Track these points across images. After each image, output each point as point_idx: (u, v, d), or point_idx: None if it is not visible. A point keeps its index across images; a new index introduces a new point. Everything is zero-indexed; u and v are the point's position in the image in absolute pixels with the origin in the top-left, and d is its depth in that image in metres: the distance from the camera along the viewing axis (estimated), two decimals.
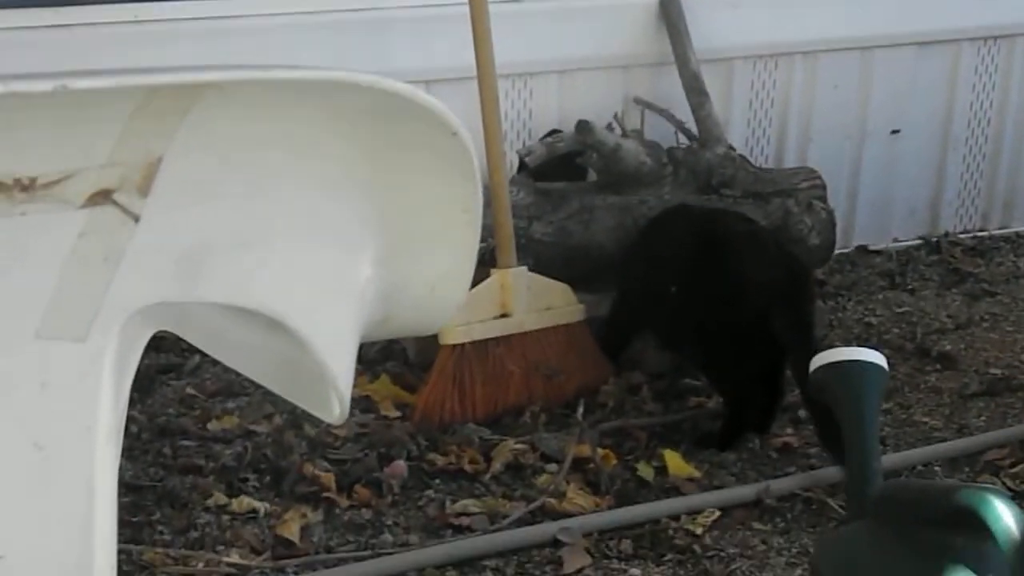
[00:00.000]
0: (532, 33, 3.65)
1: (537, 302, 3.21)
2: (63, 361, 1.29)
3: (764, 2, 3.90)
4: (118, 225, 1.25)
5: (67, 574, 1.34)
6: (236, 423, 3.07)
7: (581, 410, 3.10)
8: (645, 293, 3.25)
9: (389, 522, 2.77)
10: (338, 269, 1.41)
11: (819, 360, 2.40)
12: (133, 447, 2.94)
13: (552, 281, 3.25)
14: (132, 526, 2.68)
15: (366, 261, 1.41)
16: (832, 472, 2.90)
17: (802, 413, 3.18)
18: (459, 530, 2.75)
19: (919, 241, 4.30)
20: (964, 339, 3.66)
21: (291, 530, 2.70)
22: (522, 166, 3.53)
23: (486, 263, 3.15)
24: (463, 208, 1.43)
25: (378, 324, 1.47)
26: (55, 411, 1.30)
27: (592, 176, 3.60)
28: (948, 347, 3.59)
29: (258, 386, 2.37)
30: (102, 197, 1.24)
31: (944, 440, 3.13)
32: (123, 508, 2.59)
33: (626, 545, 2.71)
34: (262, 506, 2.77)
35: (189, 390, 3.22)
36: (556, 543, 2.70)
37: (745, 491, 2.88)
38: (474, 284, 1.55)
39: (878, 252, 4.22)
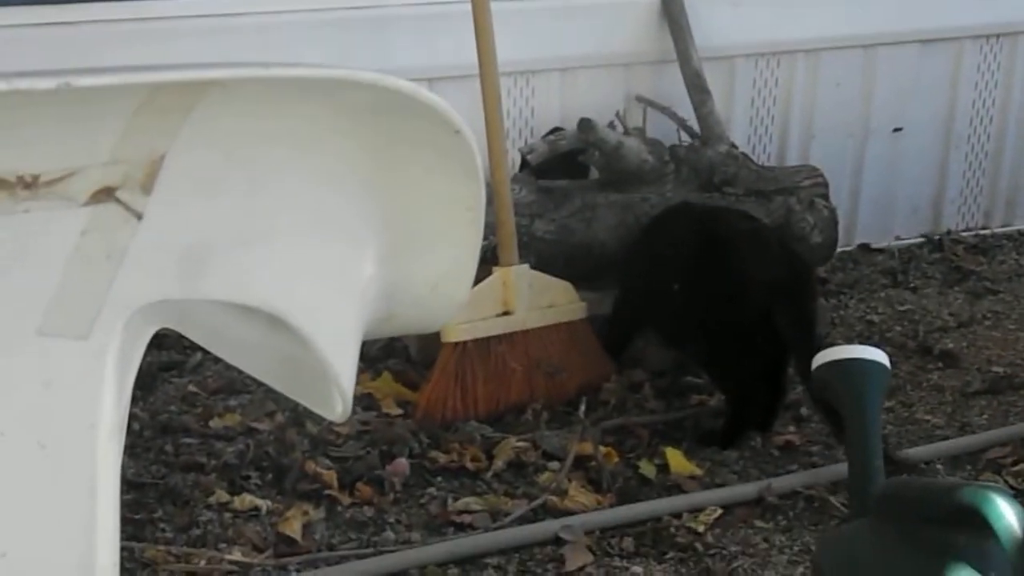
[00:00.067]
0: (534, 31, 3.65)
1: (539, 300, 3.21)
2: (65, 359, 1.29)
3: (766, 0, 3.90)
4: (121, 223, 1.25)
5: (69, 572, 1.34)
6: (238, 421, 3.07)
7: (583, 408, 3.11)
8: (647, 291, 3.25)
9: (391, 520, 2.77)
10: (341, 266, 1.40)
11: (821, 358, 2.40)
12: (135, 444, 2.94)
13: (554, 279, 3.25)
14: (134, 524, 2.68)
15: (369, 259, 1.41)
16: (834, 470, 2.90)
17: (804, 411, 3.19)
18: (461, 528, 2.75)
19: (921, 239, 4.30)
20: (966, 337, 3.66)
21: (293, 528, 2.70)
22: (524, 164, 3.53)
23: (488, 261, 3.15)
24: (466, 206, 1.43)
25: (380, 322, 1.47)
26: (57, 409, 1.30)
27: (594, 174, 3.60)
28: (950, 345, 3.59)
29: (260, 384, 2.37)
30: (105, 195, 1.24)
31: (946, 438, 3.13)
32: (125, 506, 2.57)
33: (628, 543, 2.71)
34: (264, 504, 2.77)
35: (191, 387, 3.22)
36: (558, 541, 2.70)
37: (747, 489, 2.88)
38: (476, 282, 1.55)
39: (880, 250, 4.22)
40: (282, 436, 2.98)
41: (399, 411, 3.14)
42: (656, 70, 3.80)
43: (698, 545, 2.71)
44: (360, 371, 1.47)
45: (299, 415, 3.04)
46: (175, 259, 1.29)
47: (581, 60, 3.75)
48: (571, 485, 2.87)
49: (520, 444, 3.01)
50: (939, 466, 3.02)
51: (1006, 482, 2.93)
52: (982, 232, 4.39)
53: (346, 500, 2.81)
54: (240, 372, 2.73)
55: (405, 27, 3.53)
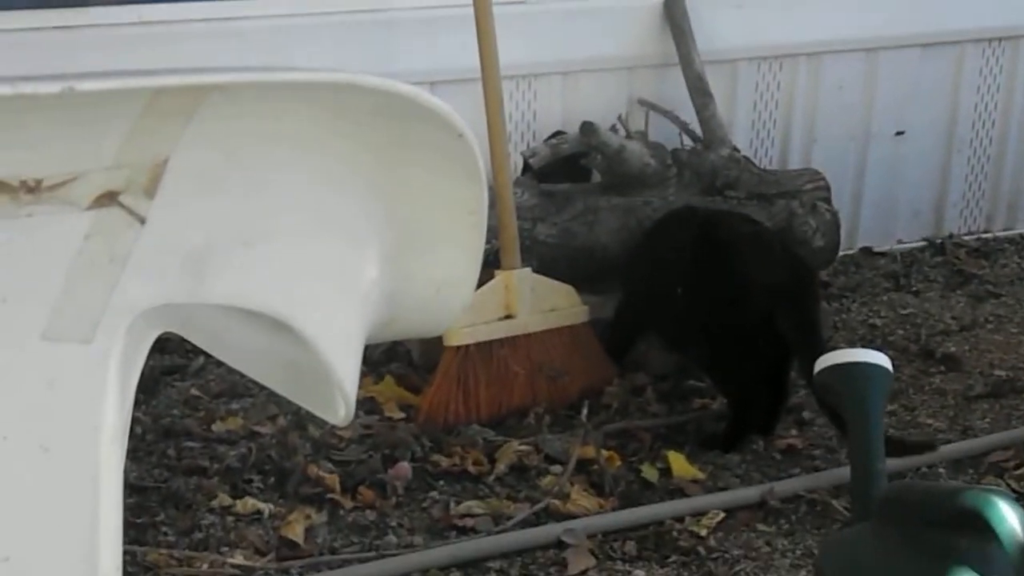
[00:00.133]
0: (536, 34, 3.65)
1: (541, 304, 3.21)
2: (69, 362, 1.29)
3: (768, 3, 3.90)
4: (124, 227, 1.26)
5: (72, 575, 1.34)
6: (240, 424, 3.07)
7: (585, 411, 3.11)
8: (650, 294, 3.25)
9: (393, 523, 2.77)
10: (343, 270, 1.40)
11: (824, 362, 2.40)
12: (138, 448, 2.94)
13: (556, 282, 3.25)
14: (136, 527, 2.69)
15: (372, 262, 1.41)
16: (836, 473, 2.90)
17: (806, 414, 3.19)
18: (463, 531, 2.75)
19: (923, 243, 4.30)
20: (968, 341, 3.66)
21: (295, 531, 2.70)
22: (526, 167, 3.53)
23: (490, 264, 3.15)
24: (469, 210, 1.43)
25: (383, 326, 1.47)
26: (61, 412, 1.30)
27: (596, 177, 3.60)
28: (952, 349, 3.59)
29: (262, 387, 2.37)
30: (108, 199, 1.24)
31: (948, 442, 3.12)
32: (128, 509, 2.58)
33: (630, 546, 2.71)
34: (266, 507, 2.77)
35: (193, 391, 3.22)
36: (560, 544, 2.70)
37: (749, 493, 2.88)
38: (478, 286, 1.55)
39: (882, 254, 4.22)
40: (284, 440, 2.98)
41: (401, 415, 3.14)
42: (658, 73, 3.80)
43: (700, 549, 2.71)
44: (362, 375, 1.47)
45: (301, 419, 3.04)
46: (178, 263, 1.29)
47: (583, 64, 3.75)
48: (573, 489, 2.87)
49: (522, 448, 3.01)
50: (941, 470, 3.02)
51: (1008, 486, 2.93)
52: (984, 236, 4.39)
53: (348, 504, 2.81)
54: (242, 376, 2.74)
55: (407, 30, 3.53)
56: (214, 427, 3.06)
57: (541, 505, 2.81)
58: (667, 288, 3.17)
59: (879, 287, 4.00)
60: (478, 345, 3.12)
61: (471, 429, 3.07)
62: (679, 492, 2.90)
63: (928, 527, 1.95)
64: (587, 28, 3.73)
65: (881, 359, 2.32)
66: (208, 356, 2.82)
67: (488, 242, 2.44)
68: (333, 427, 2.96)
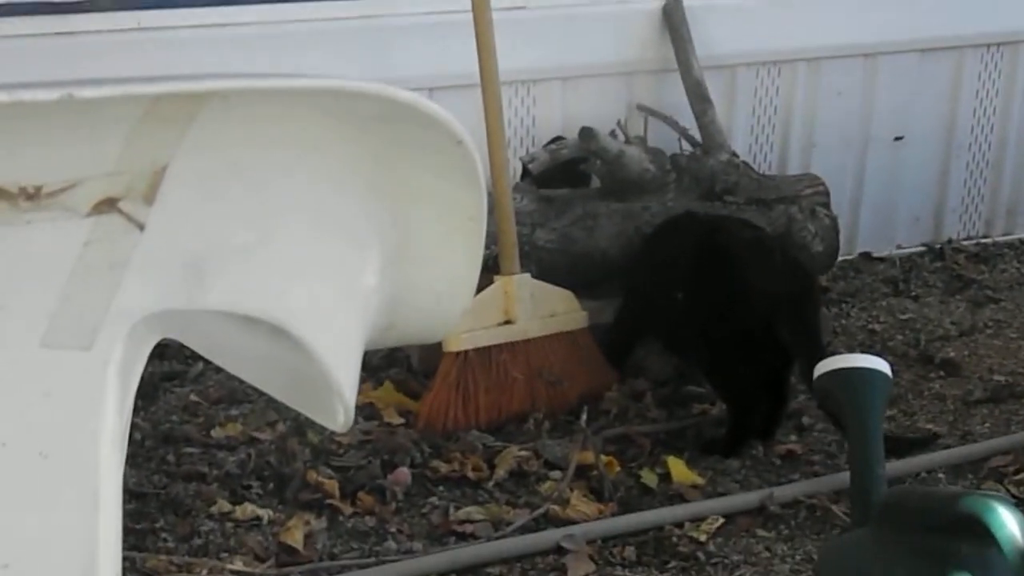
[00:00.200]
0: (535, 40, 3.65)
1: (540, 309, 3.21)
2: (68, 369, 1.29)
3: (767, 9, 3.91)
4: (123, 233, 1.26)
5: None
6: (240, 430, 3.07)
7: (585, 417, 3.10)
8: (650, 300, 3.25)
9: (393, 529, 2.77)
10: (343, 276, 1.41)
11: (823, 367, 2.40)
12: (137, 454, 2.94)
13: (555, 288, 3.25)
14: (136, 533, 2.68)
15: (371, 269, 1.42)
16: (836, 479, 2.90)
17: (806, 420, 3.19)
18: (463, 537, 2.75)
19: (923, 248, 4.30)
20: (968, 346, 3.66)
21: (295, 537, 2.70)
22: (525, 173, 3.53)
23: (489, 270, 3.15)
24: (468, 215, 1.43)
25: (382, 331, 1.47)
26: (60, 419, 1.30)
27: (595, 183, 3.60)
28: (952, 354, 3.59)
29: (262, 393, 2.37)
30: (107, 205, 1.24)
31: (948, 447, 3.12)
32: (127, 515, 2.58)
33: (630, 552, 2.71)
34: (266, 513, 2.77)
35: (193, 397, 3.22)
36: (560, 550, 2.70)
37: (749, 498, 2.88)
38: (477, 291, 1.55)
39: (882, 259, 4.22)
40: (284, 446, 2.98)
41: (401, 420, 3.14)
42: (657, 79, 3.80)
43: (700, 554, 2.70)
44: (362, 381, 1.47)
45: (301, 425, 3.04)
46: (177, 269, 1.30)
47: (582, 69, 3.75)
48: (573, 494, 2.87)
49: (522, 453, 3.01)
50: (941, 475, 3.01)
51: (1008, 491, 2.92)
52: (983, 241, 4.39)
53: (348, 510, 2.81)
54: (242, 382, 2.75)
55: (407, 36, 3.53)
56: (213, 433, 3.06)
57: (541, 511, 2.81)
58: (667, 293, 3.17)
59: (878, 292, 4.00)
60: (477, 351, 3.12)
61: (470, 435, 3.07)
62: (679, 497, 2.90)
63: (928, 532, 1.96)
64: (586, 34, 3.73)
65: (880, 364, 2.32)
66: (207, 362, 2.83)
67: (487, 247, 2.44)
68: (332, 433, 2.96)
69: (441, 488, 2.92)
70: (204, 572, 2.60)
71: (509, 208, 3.18)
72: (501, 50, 3.14)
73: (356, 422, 3.01)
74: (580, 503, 2.85)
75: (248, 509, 2.78)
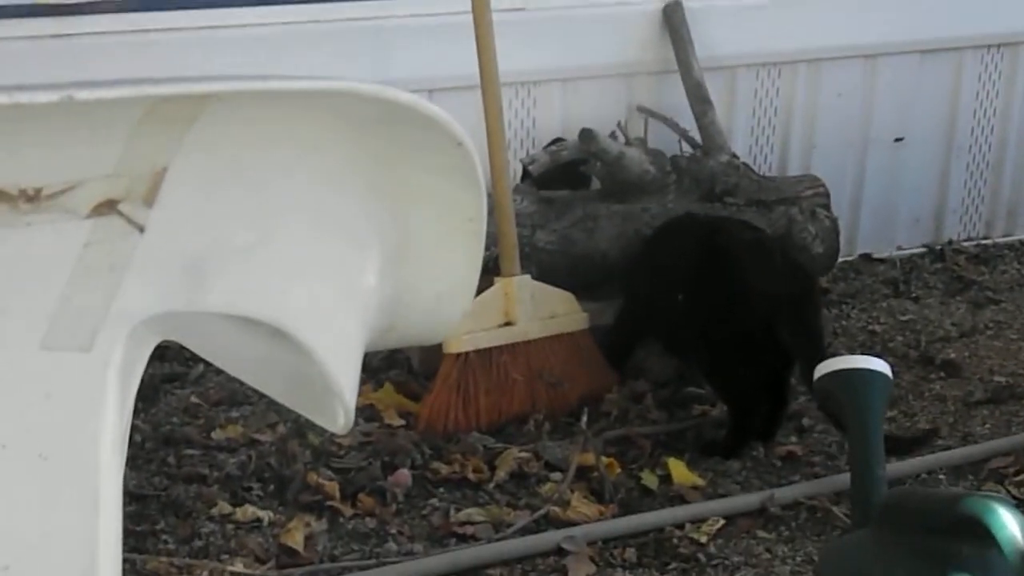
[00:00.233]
0: (535, 42, 3.65)
1: (541, 310, 3.21)
2: (68, 371, 1.29)
3: (767, 11, 3.91)
4: (123, 235, 1.26)
5: None
6: (240, 432, 3.07)
7: (585, 418, 3.10)
8: (650, 301, 3.25)
9: (393, 531, 2.77)
10: (343, 278, 1.41)
11: (824, 368, 2.40)
12: (137, 456, 2.94)
13: (556, 289, 3.25)
14: (136, 535, 2.68)
15: (371, 270, 1.41)
16: (837, 480, 2.90)
17: (806, 421, 3.19)
18: (463, 539, 2.75)
19: (923, 249, 4.30)
20: (968, 347, 3.66)
21: (295, 539, 2.70)
22: (526, 174, 3.53)
23: (490, 272, 3.15)
24: (468, 216, 1.43)
25: (383, 333, 1.47)
26: (60, 421, 1.30)
27: (596, 184, 3.60)
28: (952, 355, 3.59)
29: (262, 395, 2.37)
30: (107, 207, 1.24)
31: (948, 448, 3.12)
32: (127, 517, 2.58)
33: (630, 553, 2.71)
34: (266, 515, 2.77)
35: (193, 399, 3.22)
36: (560, 552, 2.70)
37: (749, 499, 2.88)
38: (478, 293, 1.55)
39: (882, 260, 4.22)
40: (284, 447, 2.98)
41: (401, 422, 3.14)
42: (657, 80, 3.80)
43: (700, 556, 2.70)
44: (362, 382, 1.47)
45: (301, 426, 3.04)
46: (177, 271, 1.29)
47: (582, 71, 3.75)
48: (573, 496, 2.87)
49: (522, 455, 3.01)
50: (941, 476, 3.01)
51: (1008, 492, 2.92)
52: (983, 242, 4.39)
53: (348, 511, 2.81)
54: (242, 384, 2.74)
55: (406, 38, 3.53)
56: (214, 435, 3.06)
57: (541, 512, 2.81)
58: (668, 295, 3.17)
59: (879, 293, 4.00)
60: (478, 352, 3.12)
61: (471, 436, 3.07)
62: (679, 499, 2.90)
63: (928, 533, 1.96)
64: (586, 35, 3.73)
65: (881, 365, 2.32)
66: (208, 364, 2.82)
67: (487, 249, 2.44)
68: (333, 435, 2.96)
69: (442, 490, 2.92)
70: (204, 574, 2.60)
71: (509, 210, 3.18)
72: (501, 51, 3.14)
73: (356, 424, 3.01)
74: (581, 504, 2.85)
75: (249, 511, 2.78)
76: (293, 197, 1.34)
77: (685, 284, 3.15)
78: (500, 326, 3.17)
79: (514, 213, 3.20)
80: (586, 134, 3.40)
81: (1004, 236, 4.43)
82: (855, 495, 2.31)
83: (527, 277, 3.21)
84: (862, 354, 3.05)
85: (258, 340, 1.40)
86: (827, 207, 3.71)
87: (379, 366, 3.33)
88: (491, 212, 3.09)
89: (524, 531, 2.76)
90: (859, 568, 2.08)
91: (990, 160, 4.35)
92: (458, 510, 2.83)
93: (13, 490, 1.30)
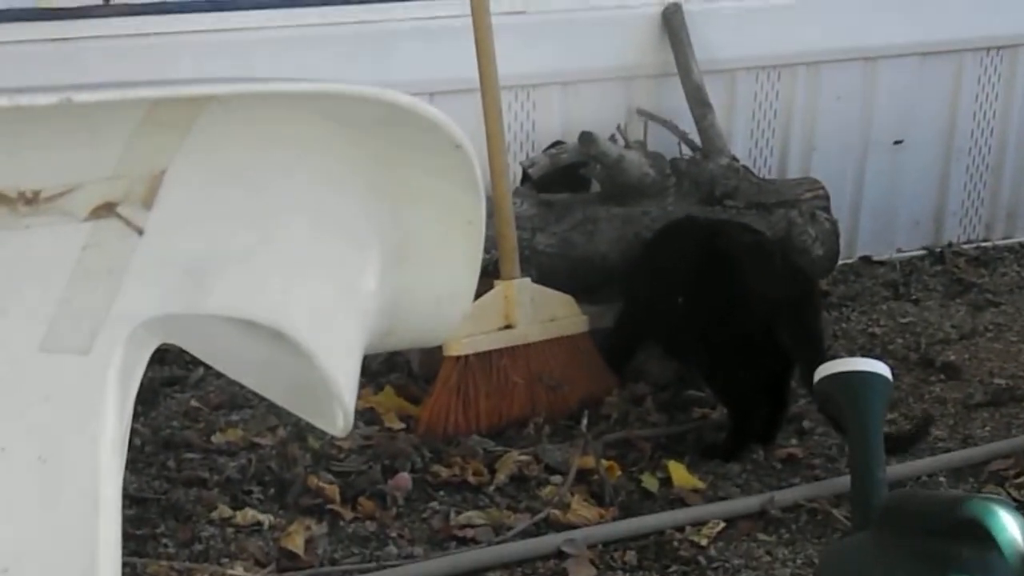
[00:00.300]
0: (535, 45, 3.65)
1: (541, 313, 3.21)
2: (67, 373, 1.29)
3: (766, 14, 3.91)
4: (122, 238, 1.26)
5: None
6: (240, 436, 3.07)
7: (585, 421, 3.10)
8: (650, 304, 3.24)
9: (393, 534, 2.76)
10: (343, 280, 1.41)
11: (824, 371, 2.40)
12: (137, 460, 2.94)
13: (556, 292, 3.25)
14: (136, 539, 2.68)
15: (371, 272, 1.42)
16: (837, 482, 2.90)
17: (807, 424, 3.19)
18: (463, 542, 2.75)
19: (923, 251, 4.30)
20: (968, 349, 3.65)
21: (295, 542, 2.69)
22: (525, 177, 3.53)
23: (489, 275, 3.15)
24: (467, 218, 1.43)
25: (382, 336, 1.47)
26: (59, 423, 1.30)
27: (595, 187, 3.60)
28: (952, 357, 3.59)
29: (262, 398, 2.37)
30: (106, 210, 1.24)
31: (949, 450, 3.12)
32: (127, 521, 2.58)
33: (631, 556, 2.71)
34: (266, 518, 2.77)
35: (193, 403, 3.22)
36: (561, 555, 2.69)
37: (750, 502, 2.88)
38: (477, 296, 1.55)
39: (882, 263, 4.22)
40: (284, 451, 2.98)
41: (401, 425, 3.14)
42: (657, 83, 3.81)
43: (701, 559, 2.70)
44: (362, 385, 1.47)
45: (301, 430, 3.04)
46: (176, 274, 1.29)
47: (582, 74, 3.75)
48: (573, 499, 2.87)
49: (522, 458, 3.00)
50: (941, 479, 3.01)
51: (1009, 494, 2.92)
52: (983, 244, 4.39)
53: (348, 515, 2.81)
54: (242, 387, 2.74)
55: (407, 41, 3.53)
56: (214, 439, 3.06)
57: (541, 515, 2.81)
58: (668, 298, 3.17)
59: (878, 296, 4.00)
60: (478, 355, 3.12)
61: (471, 439, 3.07)
62: (679, 502, 2.90)
63: (929, 536, 1.96)
64: (586, 38, 3.73)
65: (881, 368, 2.32)
66: (208, 368, 2.82)
67: (487, 252, 2.44)
68: (333, 438, 2.96)
69: (442, 493, 2.91)
70: None
71: (509, 212, 3.18)
72: (501, 55, 3.14)
73: (356, 427, 3.01)
74: (581, 507, 2.85)
75: (249, 514, 2.78)
76: (293, 198, 1.34)
77: (685, 287, 3.15)
78: (500, 329, 3.17)
79: (514, 216, 3.20)
80: (586, 137, 3.40)
81: (1004, 238, 4.43)
82: (855, 497, 2.31)
83: (527, 280, 3.21)
84: (862, 357, 3.05)
85: (258, 342, 1.40)
86: (827, 210, 3.71)
87: (379, 369, 3.33)
88: (491, 215, 3.09)
89: (524, 534, 2.76)
90: (859, 570, 2.08)
91: (990, 163, 4.35)
92: (458, 513, 2.83)
93: (12, 492, 1.30)
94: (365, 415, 3.13)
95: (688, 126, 3.71)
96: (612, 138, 3.57)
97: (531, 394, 3.18)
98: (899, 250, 4.28)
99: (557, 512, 2.82)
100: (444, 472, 2.96)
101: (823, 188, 3.73)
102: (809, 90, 4.03)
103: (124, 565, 1.41)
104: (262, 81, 1.27)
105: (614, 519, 2.82)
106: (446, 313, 1.52)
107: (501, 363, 3.15)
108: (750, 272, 3.09)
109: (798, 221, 3.61)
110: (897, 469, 2.93)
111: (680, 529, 2.78)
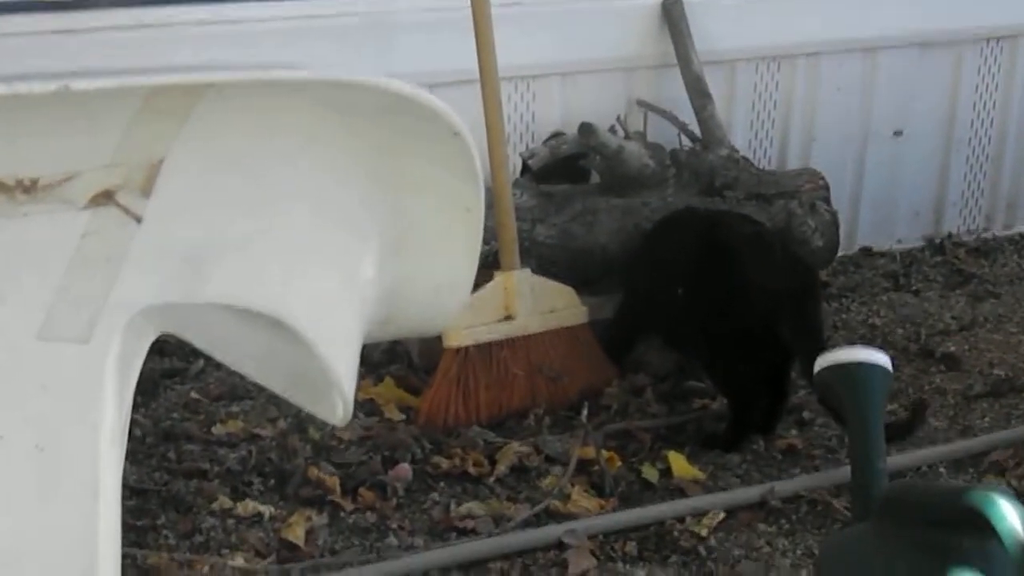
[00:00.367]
0: (535, 35, 3.65)
1: (541, 305, 3.21)
2: (66, 362, 1.28)
3: (766, 4, 3.90)
4: (120, 226, 1.25)
5: None
6: (240, 427, 3.07)
7: (585, 412, 3.10)
8: (650, 295, 3.24)
9: (394, 525, 2.77)
10: (343, 268, 1.41)
11: (823, 361, 2.40)
12: (137, 451, 2.94)
13: (556, 283, 3.25)
14: (137, 530, 2.68)
15: (370, 260, 1.42)
16: (837, 473, 2.90)
17: (807, 415, 3.19)
18: (464, 533, 2.74)
19: (923, 242, 4.30)
20: (968, 340, 3.65)
21: (296, 533, 2.69)
22: (525, 168, 3.53)
23: (489, 266, 3.15)
24: (466, 207, 1.43)
25: (381, 324, 1.47)
26: (58, 413, 1.30)
27: (595, 178, 3.60)
28: (952, 348, 3.59)
29: (262, 390, 2.37)
30: (104, 198, 1.24)
31: (948, 441, 3.12)
32: (127, 512, 2.58)
33: (631, 547, 2.71)
34: (267, 509, 2.77)
35: (193, 394, 3.22)
36: (561, 545, 2.69)
37: (750, 493, 2.88)
38: (477, 287, 1.55)
39: (882, 253, 4.22)
40: (284, 442, 2.98)
41: (401, 416, 3.14)
42: (657, 74, 3.80)
43: (701, 549, 2.70)
44: (362, 377, 1.47)
45: (302, 421, 3.04)
46: (175, 262, 1.29)
47: (582, 65, 3.75)
48: (574, 489, 2.87)
49: (522, 449, 3.00)
50: (942, 469, 3.01)
51: (1009, 484, 2.92)
52: (983, 235, 4.39)
53: (349, 506, 2.81)
54: (242, 378, 2.74)
55: (407, 32, 3.53)
56: (214, 430, 3.06)
57: (542, 506, 2.81)
58: (668, 289, 3.17)
59: (878, 287, 4.00)
60: (478, 346, 3.12)
61: (471, 430, 3.07)
62: (679, 492, 2.90)
63: (929, 526, 1.95)
64: (586, 29, 3.72)
65: (881, 358, 2.32)
66: (208, 359, 2.82)
67: (487, 243, 2.44)
68: (333, 429, 2.96)
69: (442, 484, 2.91)
70: (205, 569, 2.60)
71: (509, 203, 3.17)
72: (500, 45, 3.14)
73: (357, 418, 3.01)
74: (581, 498, 2.85)
75: (249, 505, 2.78)
76: (293, 186, 1.34)
77: (685, 278, 3.14)
78: (500, 320, 3.17)
79: (513, 207, 3.20)
80: (585, 128, 3.40)
81: (1004, 229, 4.43)
82: (855, 488, 2.31)
83: (527, 271, 3.21)
84: (862, 347, 3.05)
85: (257, 331, 1.40)
86: (827, 201, 3.70)
87: (379, 361, 3.33)
88: (490, 206, 3.09)
89: (525, 525, 2.76)
90: (860, 561, 2.08)
91: (990, 153, 4.35)
92: (459, 504, 2.83)
93: (11, 482, 1.30)
94: (365, 406, 3.13)
95: (688, 117, 3.70)
96: (612, 129, 3.57)
97: (531, 385, 3.18)
98: (899, 241, 4.28)
99: (557, 503, 2.82)
100: (444, 463, 2.96)
101: (823, 179, 3.73)
102: (809, 81, 4.03)
103: (124, 556, 1.41)
104: (259, 69, 1.27)
105: (614, 510, 2.83)
106: (445, 302, 1.52)
107: (501, 354, 3.15)
108: (750, 263, 3.09)
109: (798, 212, 3.61)
110: (897, 459, 2.94)
111: (680, 519, 2.78)
